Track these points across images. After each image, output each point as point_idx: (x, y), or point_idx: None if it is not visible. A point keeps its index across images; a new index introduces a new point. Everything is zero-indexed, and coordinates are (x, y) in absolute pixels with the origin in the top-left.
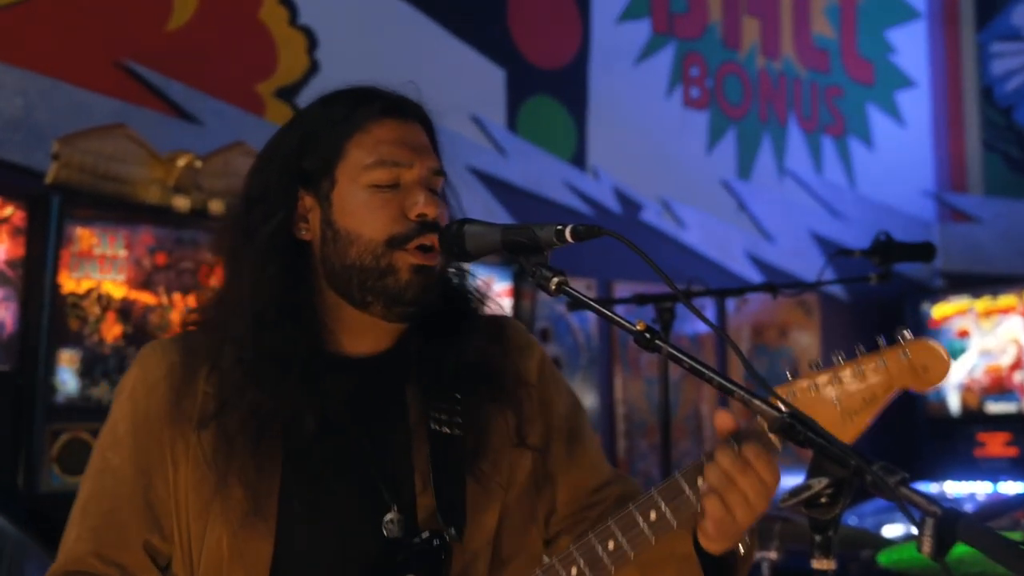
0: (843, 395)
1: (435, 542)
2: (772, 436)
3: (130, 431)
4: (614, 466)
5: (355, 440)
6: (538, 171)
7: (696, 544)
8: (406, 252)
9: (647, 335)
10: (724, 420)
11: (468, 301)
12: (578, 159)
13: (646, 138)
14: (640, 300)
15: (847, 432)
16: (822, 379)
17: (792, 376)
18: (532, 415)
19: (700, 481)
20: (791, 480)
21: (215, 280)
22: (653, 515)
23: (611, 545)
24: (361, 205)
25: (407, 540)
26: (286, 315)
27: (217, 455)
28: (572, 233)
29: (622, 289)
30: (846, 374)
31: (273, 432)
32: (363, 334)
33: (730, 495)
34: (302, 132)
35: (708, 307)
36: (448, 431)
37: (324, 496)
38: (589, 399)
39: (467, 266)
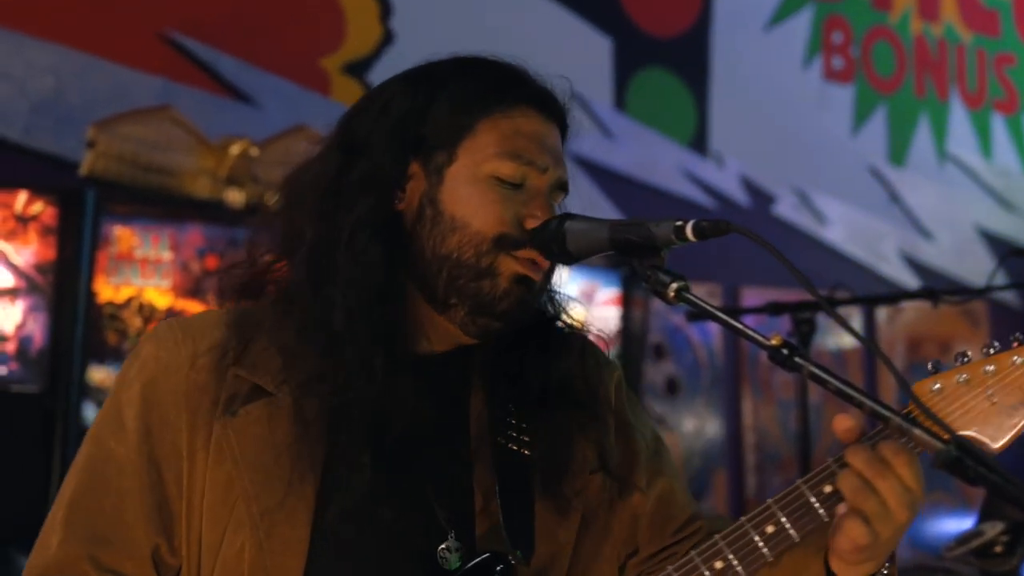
0: (999, 388)
1: (498, 567)
2: (917, 437)
3: (139, 415)
4: (743, 507)
5: (410, 450)
6: (651, 157)
7: (828, 569)
8: (513, 258)
9: (784, 351)
10: (844, 421)
11: (548, 312)
12: (698, 143)
13: (779, 117)
14: (774, 309)
15: (1003, 431)
16: (972, 370)
17: (936, 368)
18: (612, 441)
19: (828, 488)
20: (957, 525)
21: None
22: (770, 528)
23: (719, 565)
24: (477, 193)
25: (465, 569)
26: (382, 302)
27: (247, 449)
28: (695, 230)
29: (751, 296)
30: (1003, 363)
31: (320, 431)
32: (429, 334)
33: (867, 503)
34: (430, 90)
35: (855, 317)
36: (516, 448)
37: (370, 512)
38: (712, 426)
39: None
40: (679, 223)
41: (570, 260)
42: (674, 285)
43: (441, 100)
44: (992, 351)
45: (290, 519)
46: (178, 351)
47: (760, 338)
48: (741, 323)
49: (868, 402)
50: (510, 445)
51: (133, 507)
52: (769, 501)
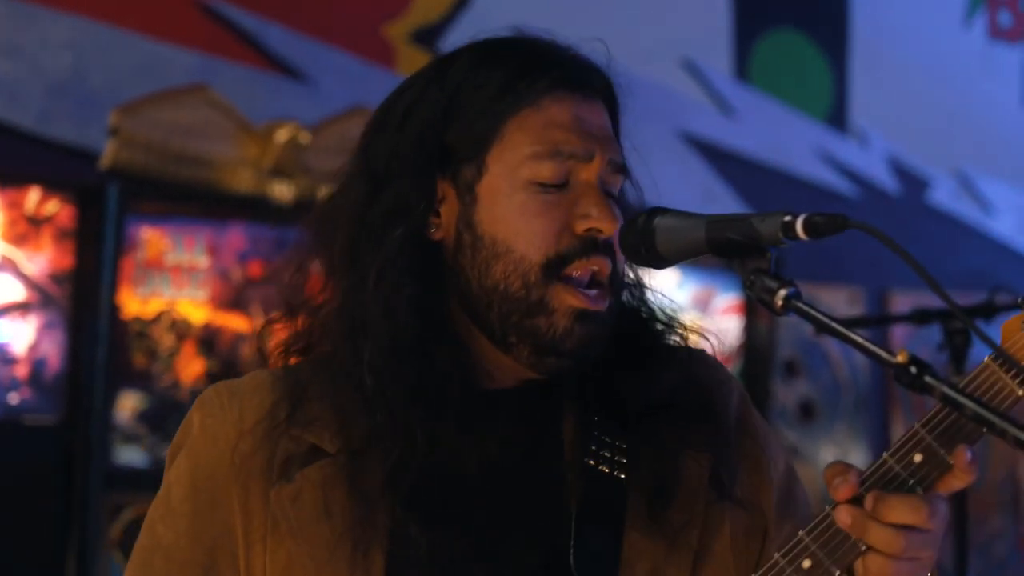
0: None
1: None
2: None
3: (188, 496)
4: None
5: (487, 502)
6: (779, 136)
7: None
8: (566, 289)
9: (912, 369)
10: (833, 473)
11: (648, 324)
12: (836, 118)
13: (934, 86)
14: (921, 318)
15: None
16: None
17: None
18: (734, 464)
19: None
20: None
21: (310, 289)
22: (807, 563)
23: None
24: (516, 208)
25: None
26: (429, 341)
27: (305, 520)
28: (806, 226)
29: (903, 303)
30: None
31: (381, 496)
32: (494, 372)
33: (872, 561)
34: (448, 95)
35: None
36: (607, 470)
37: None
38: (857, 457)
39: (649, 277)
40: (788, 218)
41: (662, 263)
42: (782, 292)
43: (461, 103)
44: None
45: None
46: (224, 417)
47: (883, 354)
48: (860, 336)
49: (1012, 430)
50: (601, 467)
51: None
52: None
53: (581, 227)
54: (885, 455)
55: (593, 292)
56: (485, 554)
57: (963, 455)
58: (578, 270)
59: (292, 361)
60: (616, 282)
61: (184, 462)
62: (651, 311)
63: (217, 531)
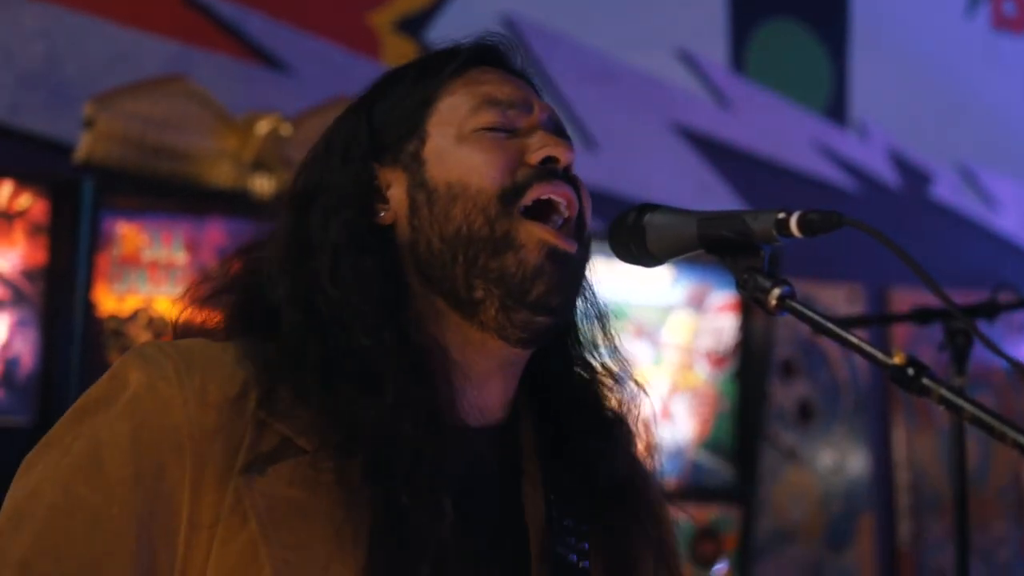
0: None
1: None
2: None
3: (128, 459)
4: (894, 559)
5: (466, 528)
6: (776, 128)
7: None
8: (532, 223)
9: (909, 371)
10: None
11: (598, 382)
12: (835, 110)
13: (936, 78)
14: (922, 317)
15: None
16: None
17: None
18: (665, 551)
19: None
20: None
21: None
22: None
23: None
24: (467, 150)
25: None
26: (395, 319)
27: (279, 519)
28: (801, 224)
29: (904, 301)
30: None
31: (364, 500)
32: (467, 372)
33: None
34: (367, 105)
35: None
36: (576, 560)
37: None
38: (858, 461)
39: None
40: (781, 215)
41: (653, 262)
42: (776, 291)
43: (382, 106)
44: None
45: None
46: (181, 384)
47: (880, 356)
48: (857, 337)
49: (1012, 433)
50: (569, 556)
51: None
52: None
53: (535, 157)
54: None
55: (560, 226)
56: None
57: None
58: (539, 194)
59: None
60: (582, 228)
61: (121, 423)
62: (603, 364)
63: (159, 505)
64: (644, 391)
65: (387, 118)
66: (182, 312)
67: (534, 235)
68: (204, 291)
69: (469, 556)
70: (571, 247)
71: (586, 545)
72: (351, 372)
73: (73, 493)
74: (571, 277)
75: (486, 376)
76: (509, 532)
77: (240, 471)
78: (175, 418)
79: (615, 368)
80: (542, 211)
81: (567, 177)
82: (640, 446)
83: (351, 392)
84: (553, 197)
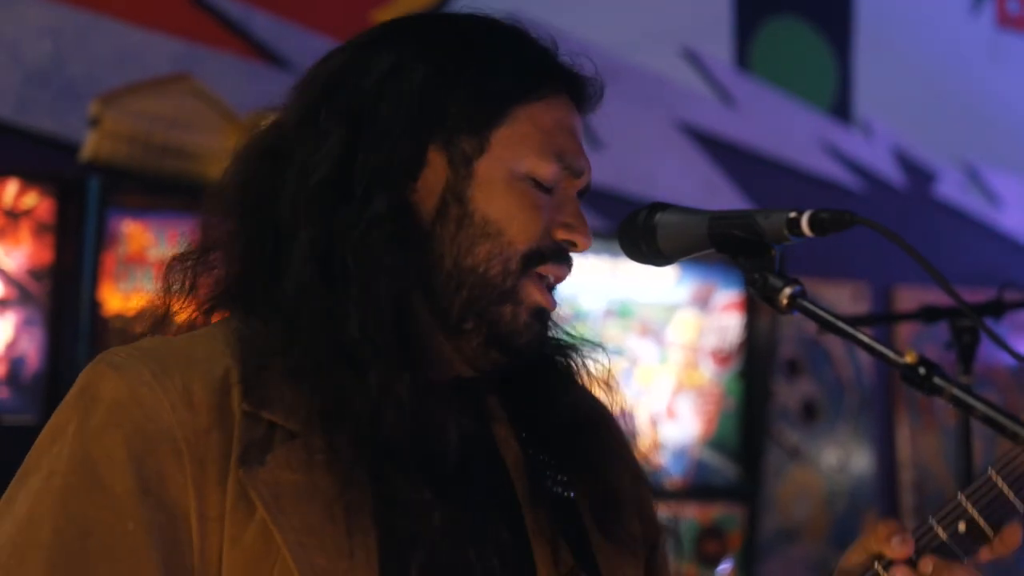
0: None
1: None
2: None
3: (129, 472)
4: None
5: (458, 490)
6: (781, 127)
7: None
8: (536, 284)
9: (920, 370)
10: (882, 532)
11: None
12: (840, 108)
13: (941, 76)
14: (928, 315)
15: None
16: None
17: None
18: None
19: None
20: None
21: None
22: None
23: None
24: (514, 195)
25: None
26: (400, 316)
27: (288, 505)
28: (811, 223)
29: (909, 299)
30: None
31: (360, 473)
32: (433, 359)
33: None
34: (456, 57)
35: None
36: (560, 491)
37: (452, 566)
38: (861, 460)
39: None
40: (793, 215)
41: (663, 260)
42: (787, 290)
43: (470, 72)
44: None
45: None
46: (163, 387)
47: (891, 355)
48: (867, 336)
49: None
50: (555, 488)
51: None
52: None
53: (562, 235)
54: (932, 521)
55: (550, 296)
56: (472, 534)
57: (1015, 535)
58: (549, 271)
59: (214, 318)
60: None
61: (118, 436)
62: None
63: (168, 512)
64: (602, 348)
65: (467, 95)
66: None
67: (534, 298)
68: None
69: (463, 510)
70: (554, 306)
71: (565, 477)
72: (339, 356)
73: (78, 515)
74: (546, 329)
75: (451, 365)
76: (490, 475)
77: (238, 464)
78: (165, 423)
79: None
80: (547, 277)
81: (571, 259)
82: (599, 392)
83: (338, 372)
84: (561, 276)
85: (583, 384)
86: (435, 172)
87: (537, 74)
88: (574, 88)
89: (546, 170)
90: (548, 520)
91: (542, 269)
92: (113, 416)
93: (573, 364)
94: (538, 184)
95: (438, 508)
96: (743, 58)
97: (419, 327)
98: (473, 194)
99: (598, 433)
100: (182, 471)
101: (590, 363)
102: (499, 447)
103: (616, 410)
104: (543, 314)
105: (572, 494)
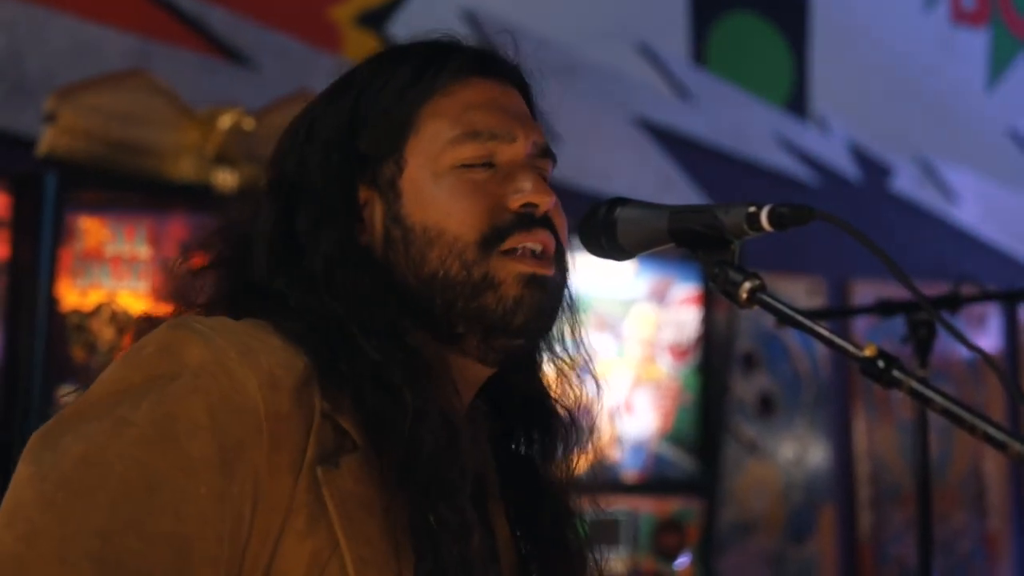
0: None
1: None
2: None
3: (209, 439)
4: (854, 551)
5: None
6: (737, 122)
7: None
8: (508, 257)
9: (879, 363)
10: None
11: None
12: (796, 103)
13: (897, 71)
14: (885, 309)
15: None
16: None
17: None
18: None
19: None
20: None
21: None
22: None
23: None
24: (444, 191)
25: None
26: (397, 333)
27: (352, 514)
28: (771, 217)
29: (864, 293)
30: None
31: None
32: (448, 383)
33: None
34: (352, 99)
35: (992, 317)
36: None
37: None
38: (817, 453)
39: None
40: (752, 209)
41: (623, 255)
42: (747, 284)
43: (367, 104)
44: None
45: None
46: (250, 365)
47: (850, 348)
48: (826, 329)
49: (981, 425)
50: (529, 566)
51: (201, 561)
52: None
53: (516, 202)
54: None
55: (539, 261)
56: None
57: None
58: (517, 242)
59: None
60: (561, 257)
61: (194, 399)
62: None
63: (238, 487)
64: (598, 384)
65: (371, 123)
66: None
67: (511, 270)
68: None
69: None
70: (549, 271)
71: (532, 553)
72: (374, 378)
73: (151, 467)
74: (550, 299)
75: (465, 388)
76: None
77: (316, 462)
78: (252, 399)
79: (575, 361)
80: (519, 249)
81: (545, 220)
82: (586, 438)
83: (375, 394)
84: (529, 245)
85: (567, 444)
86: (372, 207)
87: (428, 67)
88: (481, 66)
89: (465, 151)
90: None
91: (509, 243)
92: (200, 381)
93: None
94: (469, 166)
95: (476, 530)
96: (699, 53)
97: (424, 349)
98: (407, 210)
99: (562, 509)
100: (260, 448)
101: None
102: (488, 505)
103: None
104: (534, 280)
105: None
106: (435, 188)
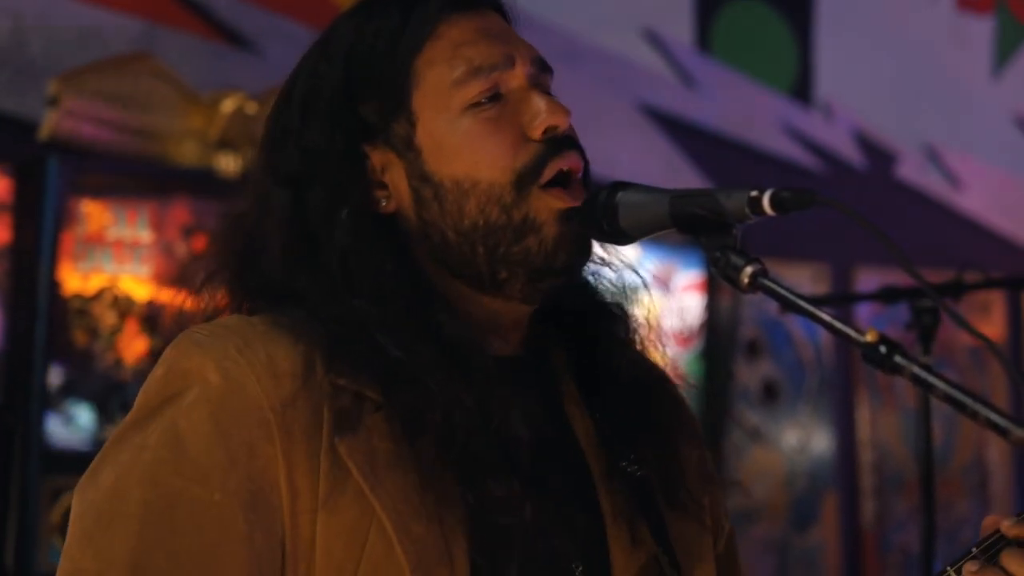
0: None
1: None
2: None
3: (215, 444)
4: (857, 538)
5: (535, 470)
6: (742, 109)
7: None
8: (545, 193)
9: (881, 349)
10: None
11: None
12: (801, 90)
13: (902, 58)
14: (888, 296)
15: None
16: None
17: None
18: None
19: None
20: None
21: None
22: None
23: None
24: (464, 139)
25: None
26: (431, 310)
27: (384, 475)
28: (773, 202)
29: (867, 280)
30: None
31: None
32: (491, 328)
33: None
34: (340, 65)
35: (997, 305)
36: (636, 470)
37: (532, 549)
38: (820, 440)
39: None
40: (754, 193)
41: (625, 239)
42: (748, 269)
43: (359, 67)
44: None
45: (449, 566)
46: (248, 361)
47: (853, 334)
48: (830, 315)
49: (984, 411)
50: (628, 467)
51: (229, 564)
52: None
53: (537, 130)
54: None
55: (570, 192)
56: (554, 522)
57: None
58: (551, 171)
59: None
60: (587, 174)
61: (197, 411)
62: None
63: (257, 484)
64: (647, 290)
65: (370, 86)
66: (184, 300)
67: (551, 207)
68: (202, 275)
69: (544, 498)
70: (579, 201)
71: (634, 454)
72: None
73: (166, 486)
74: (582, 227)
75: (510, 327)
76: (565, 456)
77: (333, 433)
78: (252, 395)
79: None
80: (554, 179)
81: (568, 139)
82: (655, 351)
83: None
84: (566, 168)
85: (633, 334)
86: (394, 170)
87: (413, 20)
88: (456, 2)
89: (471, 90)
90: (624, 501)
91: (546, 174)
92: (202, 392)
93: (619, 310)
94: (479, 104)
95: (527, 500)
96: (704, 40)
97: (457, 316)
98: (431, 167)
99: (659, 399)
100: (271, 442)
101: (633, 304)
102: (572, 424)
103: (663, 362)
104: (568, 215)
105: (644, 472)
106: (454, 137)
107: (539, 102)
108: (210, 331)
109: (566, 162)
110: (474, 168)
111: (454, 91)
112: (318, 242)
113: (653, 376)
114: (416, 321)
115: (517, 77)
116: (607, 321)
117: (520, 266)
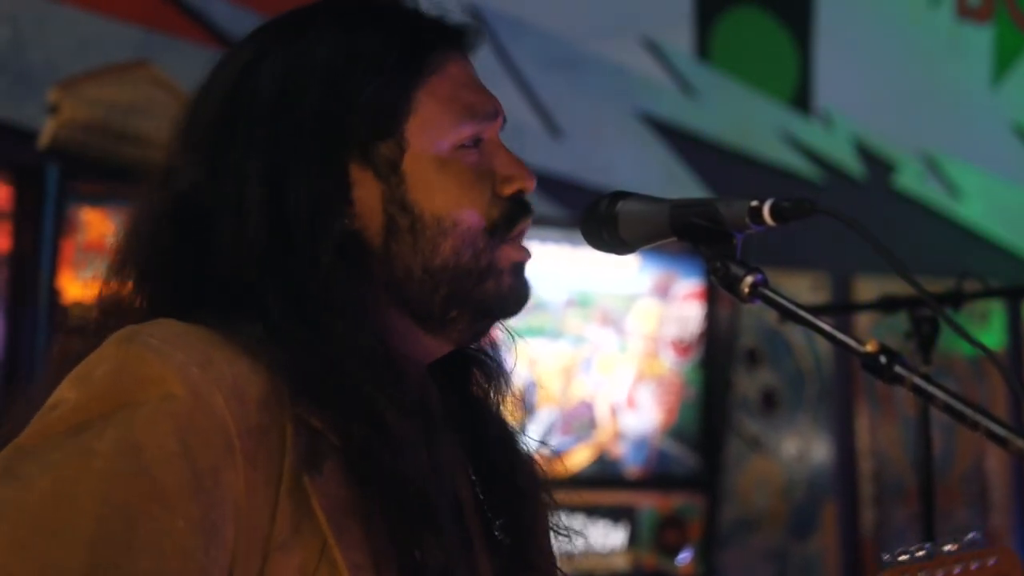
0: None
1: None
2: None
3: (181, 468)
4: (857, 548)
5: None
6: (742, 118)
7: None
8: (509, 245)
9: (882, 359)
10: None
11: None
12: (801, 99)
13: (902, 67)
14: (888, 305)
15: None
16: None
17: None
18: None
19: None
20: None
21: None
22: None
23: None
24: (451, 179)
25: None
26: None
27: (341, 522)
28: (773, 212)
29: (868, 288)
30: None
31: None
32: (413, 365)
33: None
34: (327, 69)
35: (996, 313)
36: (498, 536)
37: None
38: (820, 449)
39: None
40: (754, 203)
41: (625, 249)
42: (749, 278)
43: (350, 77)
44: None
45: None
46: (214, 380)
47: (853, 343)
48: (829, 325)
49: (983, 421)
50: (495, 533)
51: None
52: None
53: (509, 190)
54: None
55: (524, 249)
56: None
57: None
58: (520, 230)
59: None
60: None
61: (161, 425)
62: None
63: (218, 512)
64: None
65: (361, 103)
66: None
67: (511, 258)
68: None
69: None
70: (530, 256)
71: (499, 520)
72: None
73: (124, 504)
74: (526, 279)
75: (426, 361)
76: (459, 510)
77: (300, 470)
78: (220, 417)
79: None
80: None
81: (527, 205)
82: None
83: (353, 391)
84: (522, 231)
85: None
86: (366, 189)
87: (419, 48)
88: (456, 39)
89: (465, 132)
90: (496, 568)
91: (515, 232)
92: (166, 405)
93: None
94: (465, 148)
95: (460, 562)
96: (704, 48)
97: (399, 338)
98: (414, 196)
99: (522, 461)
100: (235, 470)
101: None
102: (456, 484)
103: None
104: (522, 267)
105: (511, 540)
106: (442, 174)
107: (512, 163)
108: (163, 338)
109: (526, 224)
110: (457, 208)
111: (451, 129)
112: (293, 253)
113: (512, 433)
114: (383, 357)
115: (494, 130)
116: (474, 367)
117: (472, 306)
